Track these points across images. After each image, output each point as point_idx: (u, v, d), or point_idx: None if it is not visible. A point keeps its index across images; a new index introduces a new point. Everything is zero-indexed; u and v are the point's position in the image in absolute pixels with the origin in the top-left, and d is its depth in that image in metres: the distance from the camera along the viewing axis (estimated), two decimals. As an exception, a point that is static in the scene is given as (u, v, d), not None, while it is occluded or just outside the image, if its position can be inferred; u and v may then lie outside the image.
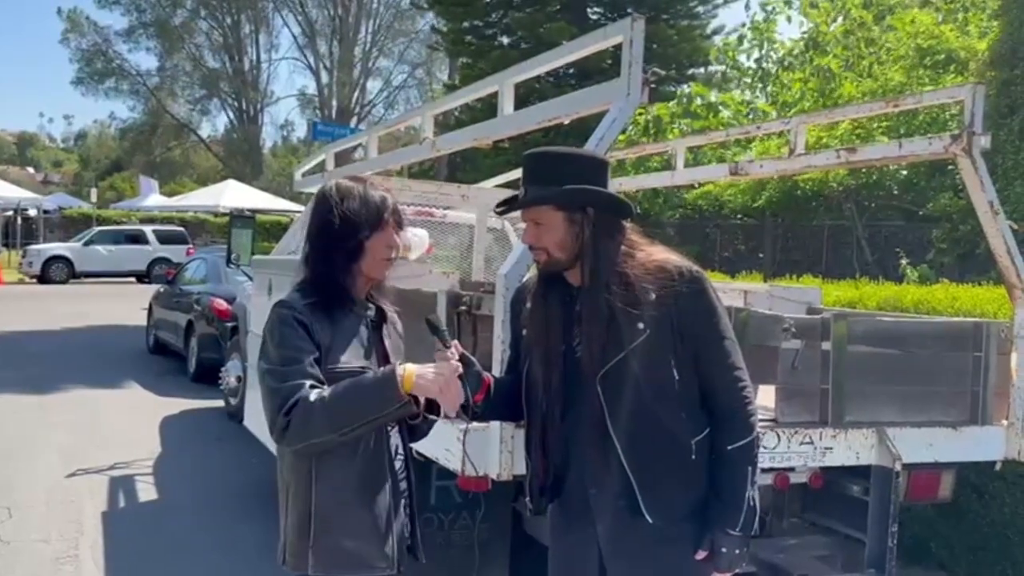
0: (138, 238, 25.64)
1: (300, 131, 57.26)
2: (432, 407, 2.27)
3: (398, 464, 2.28)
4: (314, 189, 6.14)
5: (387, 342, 2.30)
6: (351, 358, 2.16)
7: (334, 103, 44.97)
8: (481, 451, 2.77)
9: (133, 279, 24.61)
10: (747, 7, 17.04)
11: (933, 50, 11.67)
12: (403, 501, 2.29)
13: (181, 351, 11.06)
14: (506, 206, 2.32)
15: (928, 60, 11.72)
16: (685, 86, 16.54)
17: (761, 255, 12.29)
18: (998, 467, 3.65)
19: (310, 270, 2.23)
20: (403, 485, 2.30)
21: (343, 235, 2.18)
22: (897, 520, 3.27)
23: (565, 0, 20.28)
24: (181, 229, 27.46)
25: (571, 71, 17.67)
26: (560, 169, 2.20)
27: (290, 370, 2.06)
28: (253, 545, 4.95)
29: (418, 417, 2.16)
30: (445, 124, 15.98)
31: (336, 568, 2.16)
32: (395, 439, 2.28)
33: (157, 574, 4.71)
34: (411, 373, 2.04)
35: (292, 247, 5.57)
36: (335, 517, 2.15)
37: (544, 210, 2.19)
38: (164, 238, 25.72)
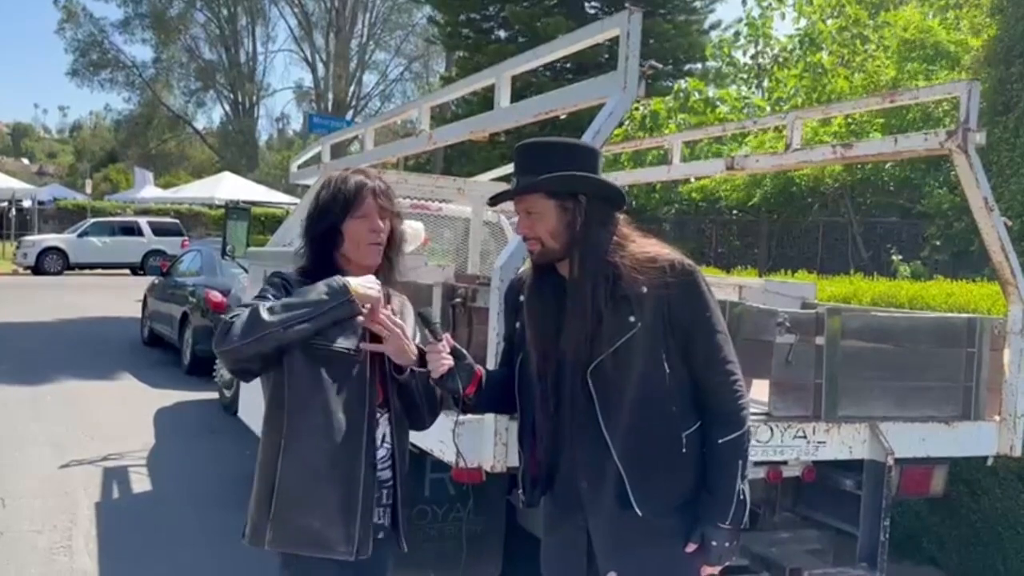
0: (133, 230, 25.54)
1: (296, 124, 57.31)
2: (421, 362, 2.27)
3: (381, 452, 2.27)
4: (309, 181, 6.15)
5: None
6: (343, 338, 2.19)
7: (330, 96, 44.83)
8: (475, 443, 2.77)
9: (128, 271, 24.55)
10: (744, 2, 16.96)
11: (920, 43, 11.65)
12: (386, 491, 2.29)
13: (176, 343, 11.03)
14: (499, 197, 2.32)
15: (915, 54, 11.70)
16: (682, 81, 16.52)
17: (756, 251, 12.31)
18: (990, 462, 3.68)
19: (303, 258, 2.32)
20: (386, 474, 2.29)
21: (316, 221, 2.27)
22: (889, 514, 3.28)
23: (562, -6, 20.26)
24: (176, 221, 27.36)
25: (568, 65, 17.66)
26: (550, 158, 2.19)
27: (250, 302, 2.18)
28: (247, 537, 4.95)
29: (360, 316, 2.19)
30: (441, 117, 15.96)
31: (292, 544, 2.17)
32: (383, 428, 2.28)
33: (150, 564, 4.71)
34: (351, 279, 2.18)
35: (287, 239, 5.56)
36: (298, 494, 2.15)
37: (536, 198, 2.18)
38: (159, 230, 25.63)
